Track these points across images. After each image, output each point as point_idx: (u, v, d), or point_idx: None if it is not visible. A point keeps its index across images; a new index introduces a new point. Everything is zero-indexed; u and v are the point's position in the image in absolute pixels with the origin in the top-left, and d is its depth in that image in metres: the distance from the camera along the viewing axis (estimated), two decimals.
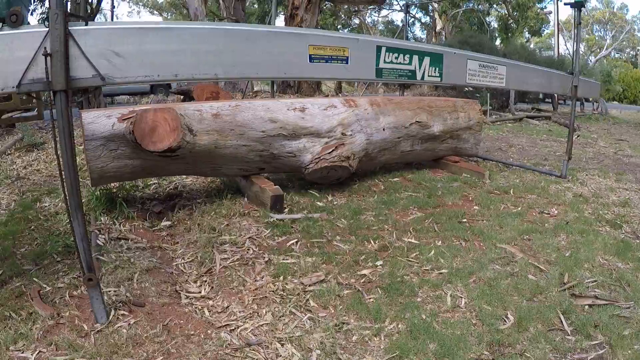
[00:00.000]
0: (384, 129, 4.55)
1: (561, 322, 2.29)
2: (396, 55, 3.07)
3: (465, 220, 3.65)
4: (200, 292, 2.55)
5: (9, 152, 5.26)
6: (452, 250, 3.09)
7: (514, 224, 3.56)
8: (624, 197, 4.43)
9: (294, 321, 2.31)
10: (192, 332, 2.17)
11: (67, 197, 1.89)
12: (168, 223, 3.42)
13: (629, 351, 2.05)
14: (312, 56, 2.63)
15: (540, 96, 15.13)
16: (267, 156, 3.84)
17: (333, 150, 4.03)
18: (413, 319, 2.30)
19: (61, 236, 3.02)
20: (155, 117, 3.13)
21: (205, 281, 2.67)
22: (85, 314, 2.16)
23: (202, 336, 2.14)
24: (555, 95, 14.49)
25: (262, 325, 2.25)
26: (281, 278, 2.70)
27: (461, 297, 2.52)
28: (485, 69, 3.69)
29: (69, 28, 1.83)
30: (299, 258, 2.94)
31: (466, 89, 11.90)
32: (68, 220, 1.99)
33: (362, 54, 2.87)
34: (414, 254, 3.03)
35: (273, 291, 2.58)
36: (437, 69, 3.30)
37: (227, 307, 2.42)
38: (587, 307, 2.42)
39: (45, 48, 1.75)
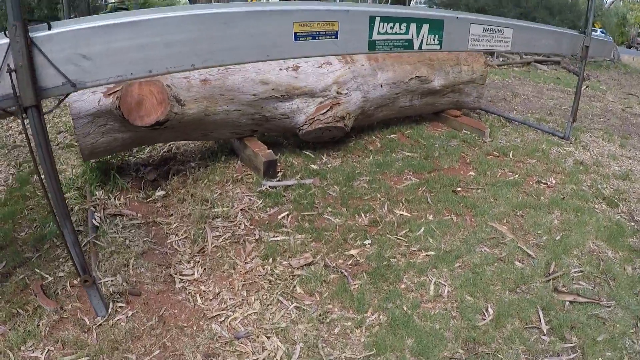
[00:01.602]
0: (381, 86, 4.25)
1: (539, 319, 2.25)
2: (391, 24, 2.69)
3: (459, 189, 3.48)
4: (193, 275, 2.53)
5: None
6: (443, 226, 2.99)
7: (508, 196, 3.41)
8: (625, 168, 4.19)
9: (280, 310, 2.31)
10: (185, 324, 2.19)
11: (54, 210, 1.84)
12: (162, 193, 3.30)
13: (600, 359, 2.04)
14: (298, 34, 2.30)
15: None
16: (260, 119, 3.60)
17: (327, 111, 3.74)
18: (395, 310, 2.28)
19: None
20: (141, 90, 2.91)
21: (198, 262, 2.63)
22: (86, 305, 2.18)
23: (195, 328, 2.17)
24: None
25: (250, 315, 2.26)
26: (270, 260, 2.65)
27: (445, 285, 2.47)
28: (489, 33, 3.30)
29: (31, 36, 1.58)
30: (289, 235, 2.87)
31: None
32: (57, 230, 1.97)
33: (353, 27, 2.45)
34: (404, 231, 2.93)
35: (262, 275, 2.55)
36: (436, 36, 2.93)
37: (219, 293, 2.41)
38: (567, 303, 2.37)
39: (8, 65, 1.57)
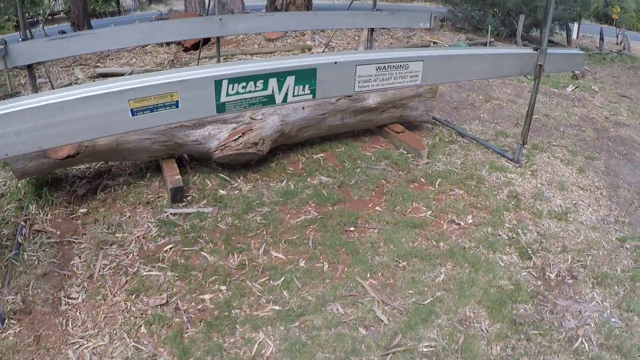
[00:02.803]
0: (303, 108, 3.91)
1: None
2: (244, 84, 2.37)
3: (353, 229, 3.15)
4: (77, 299, 2.60)
5: None
6: (307, 276, 2.73)
7: (402, 240, 3.04)
8: (570, 203, 3.62)
9: (122, 346, 2.31)
10: (51, 346, 2.30)
11: None
12: (84, 210, 3.30)
13: None
14: (135, 110, 2.14)
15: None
16: (173, 145, 3.53)
17: (240, 137, 3.53)
18: None
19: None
20: None
21: (85, 287, 2.68)
22: None
23: (56, 350, 2.28)
24: (577, 22, 11.72)
25: (100, 346, 2.30)
26: (134, 296, 2.60)
27: (270, 346, 2.26)
28: (387, 71, 2.84)
29: None
30: (162, 270, 2.77)
31: (472, 14, 9.66)
32: None
33: (196, 93, 2.21)
34: (264, 279, 2.70)
35: (122, 310, 2.52)
36: (307, 86, 2.56)
37: (85, 321, 2.46)
38: None
39: None
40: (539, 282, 2.83)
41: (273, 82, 2.48)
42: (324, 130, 4.16)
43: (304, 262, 2.88)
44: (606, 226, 3.48)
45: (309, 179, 3.80)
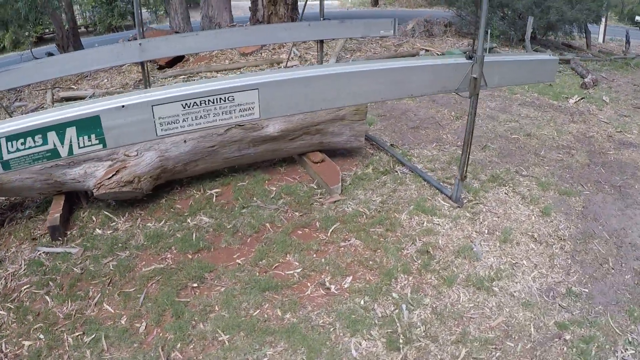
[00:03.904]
0: (185, 141, 3.36)
1: None
2: (22, 140, 1.94)
3: (196, 285, 2.55)
4: None
5: None
6: (119, 337, 2.28)
7: (242, 306, 2.37)
8: (506, 263, 2.64)
9: None
10: None
11: None
12: None
13: None
14: None
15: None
16: (54, 183, 3.29)
17: (113, 175, 3.16)
18: None
19: None
20: None
21: None
22: None
23: None
24: (600, 24, 9.68)
25: None
26: None
27: None
28: (199, 107, 2.16)
29: None
30: (8, 311, 2.51)
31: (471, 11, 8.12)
32: None
33: None
34: (79, 333, 2.30)
35: None
36: (93, 135, 2.06)
37: None
38: None
39: None
40: None
41: (52, 136, 2.07)
42: (220, 163, 3.54)
43: (126, 319, 2.39)
44: (548, 301, 2.44)
45: (188, 220, 3.22)
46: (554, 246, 2.85)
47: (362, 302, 2.38)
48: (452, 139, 4.36)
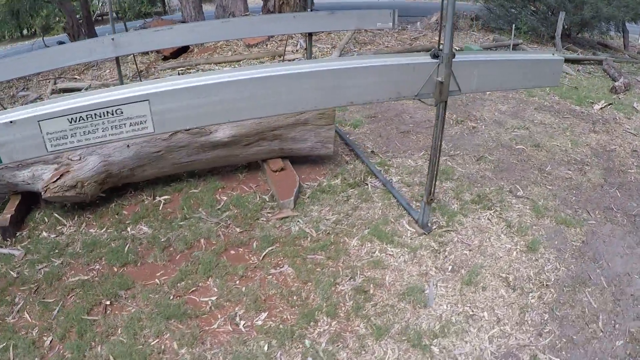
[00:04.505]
0: (128, 146, 3.11)
1: None
2: None
3: (108, 303, 2.31)
4: None
5: None
6: (20, 350, 2.11)
7: (135, 335, 2.09)
8: (461, 314, 2.12)
9: None
10: None
11: None
12: None
13: None
14: None
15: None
16: (7, 184, 3.25)
17: (58, 179, 3.04)
18: None
19: None
20: None
21: None
22: None
23: None
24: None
25: None
26: None
27: None
28: (87, 122, 1.84)
29: None
30: None
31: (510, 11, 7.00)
32: None
33: None
34: None
35: None
36: None
37: None
38: None
39: None
40: None
41: None
42: (169, 168, 3.28)
43: (37, 331, 2.24)
44: None
45: (129, 228, 3.00)
46: (530, 294, 2.27)
47: (266, 347, 2.00)
48: (445, 147, 3.76)
